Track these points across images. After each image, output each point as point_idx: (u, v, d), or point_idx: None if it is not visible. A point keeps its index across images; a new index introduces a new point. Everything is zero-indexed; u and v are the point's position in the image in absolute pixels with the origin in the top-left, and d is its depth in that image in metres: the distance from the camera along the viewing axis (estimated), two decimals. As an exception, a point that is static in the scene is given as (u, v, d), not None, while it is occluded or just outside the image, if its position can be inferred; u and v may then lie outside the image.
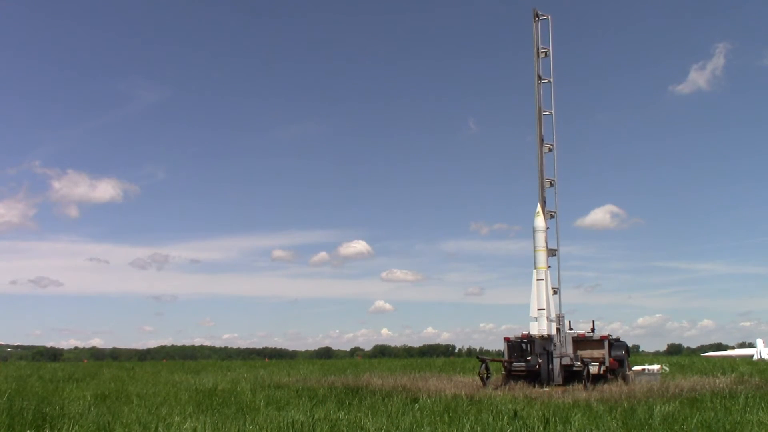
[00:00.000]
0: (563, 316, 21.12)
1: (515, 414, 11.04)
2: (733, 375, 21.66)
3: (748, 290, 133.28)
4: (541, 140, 22.44)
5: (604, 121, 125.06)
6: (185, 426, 10.24)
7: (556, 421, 10.29)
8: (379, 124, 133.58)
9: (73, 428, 10.12)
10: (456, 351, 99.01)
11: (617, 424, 10.11)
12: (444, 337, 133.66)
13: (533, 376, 19.51)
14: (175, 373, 28.08)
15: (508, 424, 10.07)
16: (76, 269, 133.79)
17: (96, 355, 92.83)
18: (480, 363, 20.44)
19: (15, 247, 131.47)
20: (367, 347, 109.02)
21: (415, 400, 13.80)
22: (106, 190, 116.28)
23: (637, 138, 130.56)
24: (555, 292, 21.45)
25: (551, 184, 22.30)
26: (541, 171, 22.20)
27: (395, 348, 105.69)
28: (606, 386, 17.87)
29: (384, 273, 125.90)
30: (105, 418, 11.17)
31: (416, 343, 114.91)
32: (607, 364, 19.60)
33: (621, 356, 20.54)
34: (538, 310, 20.07)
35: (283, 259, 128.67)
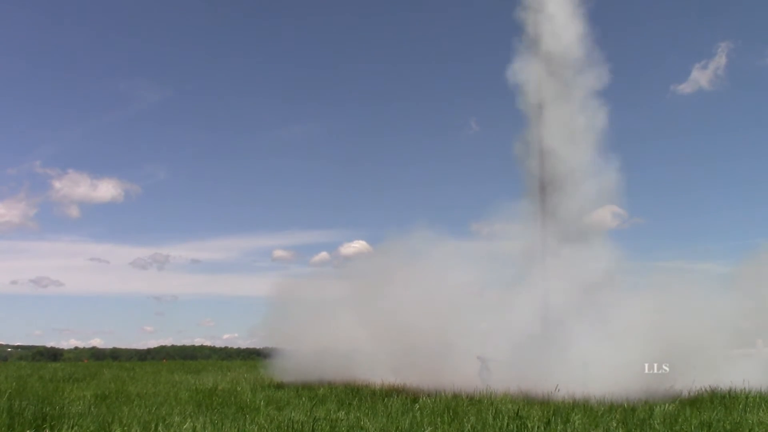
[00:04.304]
0: (563, 316, 21.07)
1: (516, 414, 11.03)
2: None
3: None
4: (542, 140, 22.43)
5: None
6: (185, 426, 10.23)
7: (557, 421, 10.29)
8: (379, 124, 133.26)
9: (73, 428, 10.12)
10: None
11: (617, 424, 10.11)
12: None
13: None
14: (175, 373, 28.08)
15: (508, 424, 10.07)
16: (77, 269, 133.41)
17: (96, 355, 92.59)
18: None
19: (15, 247, 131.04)
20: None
21: (415, 400, 13.80)
22: (107, 190, 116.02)
23: (638, 138, 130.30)
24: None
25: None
26: (541, 171, 22.24)
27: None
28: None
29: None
30: (105, 418, 11.16)
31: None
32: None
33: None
34: None
35: (283, 259, 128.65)
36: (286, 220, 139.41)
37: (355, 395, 15.42)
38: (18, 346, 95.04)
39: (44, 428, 10.06)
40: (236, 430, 9.96)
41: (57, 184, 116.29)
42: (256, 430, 9.97)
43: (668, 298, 19.20)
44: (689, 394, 14.04)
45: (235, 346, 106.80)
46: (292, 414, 11.54)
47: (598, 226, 21.70)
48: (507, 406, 12.25)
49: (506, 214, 23.01)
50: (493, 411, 11.46)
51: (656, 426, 10.06)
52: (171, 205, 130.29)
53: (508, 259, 23.35)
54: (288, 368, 21.94)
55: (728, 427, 9.93)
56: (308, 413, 11.64)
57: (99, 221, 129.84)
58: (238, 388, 18.08)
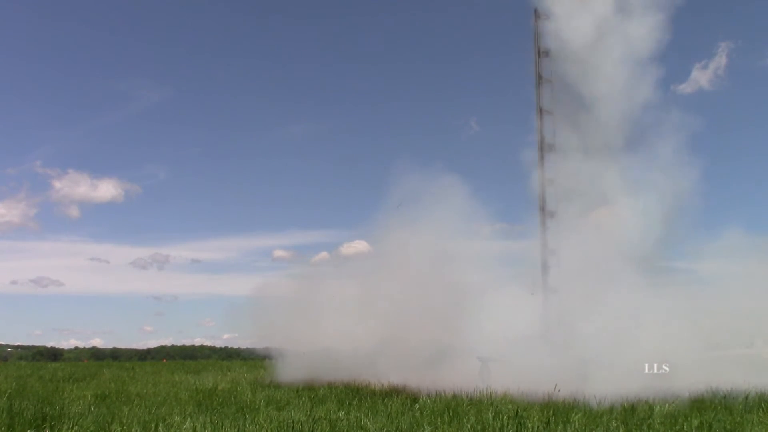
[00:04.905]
0: (563, 316, 21.05)
1: (516, 414, 11.03)
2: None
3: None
4: (542, 139, 22.45)
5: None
6: (185, 426, 10.24)
7: (557, 421, 10.29)
8: (379, 123, 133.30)
9: (73, 428, 10.12)
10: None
11: (617, 424, 10.11)
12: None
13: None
14: (175, 373, 28.08)
15: (508, 424, 10.07)
16: (77, 269, 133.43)
17: (96, 355, 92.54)
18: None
19: (15, 247, 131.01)
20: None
21: (415, 400, 13.80)
22: (107, 190, 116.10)
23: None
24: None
25: (551, 184, 22.32)
26: (541, 170, 22.24)
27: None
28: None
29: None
30: (105, 418, 11.17)
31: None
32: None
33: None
34: None
35: (283, 259, 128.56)
36: (286, 220, 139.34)
37: (355, 395, 15.43)
38: (18, 346, 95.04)
39: (44, 428, 10.06)
40: (236, 430, 9.96)
41: (57, 184, 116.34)
42: (256, 430, 9.97)
43: (668, 298, 19.21)
44: (689, 394, 14.04)
45: (235, 346, 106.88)
46: (292, 414, 11.54)
47: (597, 226, 21.68)
48: (507, 407, 12.25)
49: (507, 214, 23.02)
50: (493, 411, 11.46)
51: (656, 426, 10.06)
52: (171, 205, 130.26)
53: (509, 258, 23.38)
54: (287, 368, 21.99)
55: (728, 427, 9.93)
56: (308, 413, 11.64)
57: (99, 221, 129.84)
58: (238, 388, 18.08)
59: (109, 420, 10.85)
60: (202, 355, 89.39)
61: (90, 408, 12.89)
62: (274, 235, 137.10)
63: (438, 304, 20.26)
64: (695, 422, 10.22)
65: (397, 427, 10.00)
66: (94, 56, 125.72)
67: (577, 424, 10.15)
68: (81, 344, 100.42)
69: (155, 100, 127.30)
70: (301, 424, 10.15)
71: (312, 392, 16.51)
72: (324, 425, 10.20)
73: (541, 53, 22.88)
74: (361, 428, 10.00)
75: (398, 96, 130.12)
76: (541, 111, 22.64)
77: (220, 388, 18.31)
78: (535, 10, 22.98)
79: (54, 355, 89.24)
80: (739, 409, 12.03)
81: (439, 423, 10.40)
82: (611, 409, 11.93)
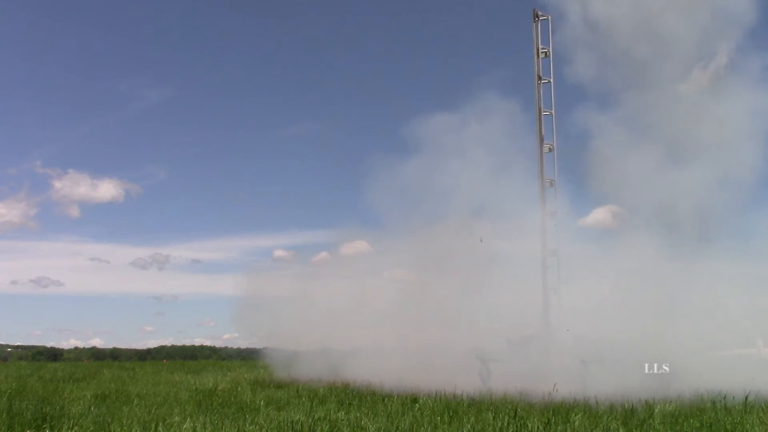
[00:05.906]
0: (563, 316, 21.05)
1: (515, 414, 11.03)
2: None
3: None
4: (541, 140, 22.47)
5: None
6: (185, 426, 10.24)
7: (556, 421, 10.29)
8: (379, 123, 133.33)
9: (73, 428, 10.12)
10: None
11: (617, 424, 10.11)
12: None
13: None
14: (175, 373, 28.09)
15: (508, 424, 10.07)
16: (77, 269, 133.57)
17: (96, 355, 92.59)
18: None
19: (16, 247, 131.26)
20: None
21: (415, 400, 13.80)
22: (107, 190, 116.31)
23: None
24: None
25: (551, 184, 22.32)
26: (541, 171, 22.23)
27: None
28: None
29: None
30: (105, 418, 11.17)
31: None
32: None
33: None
34: None
35: (284, 259, 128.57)
36: (286, 220, 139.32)
37: (355, 395, 15.43)
38: (18, 346, 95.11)
39: (44, 428, 10.06)
40: (236, 430, 9.96)
41: (57, 184, 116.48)
42: (256, 430, 9.97)
43: (668, 298, 19.21)
44: (689, 394, 14.05)
45: (235, 346, 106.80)
46: (292, 414, 11.54)
47: (597, 226, 21.69)
48: (507, 407, 12.25)
49: (507, 213, 23.02)
50: (493, 411, 11.46)
51: (656, 426, 10.05)
52: (171, 205, 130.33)
53: (509, 258, 23.38)
54: (286, 368, 22.04)
55: (728, 427, 9.93)
56: (308, 413, 11.64)
57: (99, 221, 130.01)
58: (238, 389, 18.08)
59: (109, 420, 10.84)
60: (202, 355, 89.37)
61: (90, 408, 12.88)
62: (274, 235, 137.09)
63: (438, 303, 20.27)
64: (695, 423, 10.22)
65: (397, 427, 9.99)
66: (94, 56, 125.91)
67: (577, 424, 10.14)
68: (81, 344, 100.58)
69: (155, 100, 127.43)
70: (301, 424, 10.14)
71: (312, 392, 16.51)
72: (324, 425, 10.19)
73: (540, 53, 22.89)
74: (361, 428, 10.00)
75: (398, 96, 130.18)
76: (540, 111, 22.65)
77: (220, 388, 18.31)
78: (535, 10, 23.01)
79: (54, 355, 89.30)
80: (739, 409, 12.03)
81: (439, 423, 10.39)
82: (611, 409, 11.93)
